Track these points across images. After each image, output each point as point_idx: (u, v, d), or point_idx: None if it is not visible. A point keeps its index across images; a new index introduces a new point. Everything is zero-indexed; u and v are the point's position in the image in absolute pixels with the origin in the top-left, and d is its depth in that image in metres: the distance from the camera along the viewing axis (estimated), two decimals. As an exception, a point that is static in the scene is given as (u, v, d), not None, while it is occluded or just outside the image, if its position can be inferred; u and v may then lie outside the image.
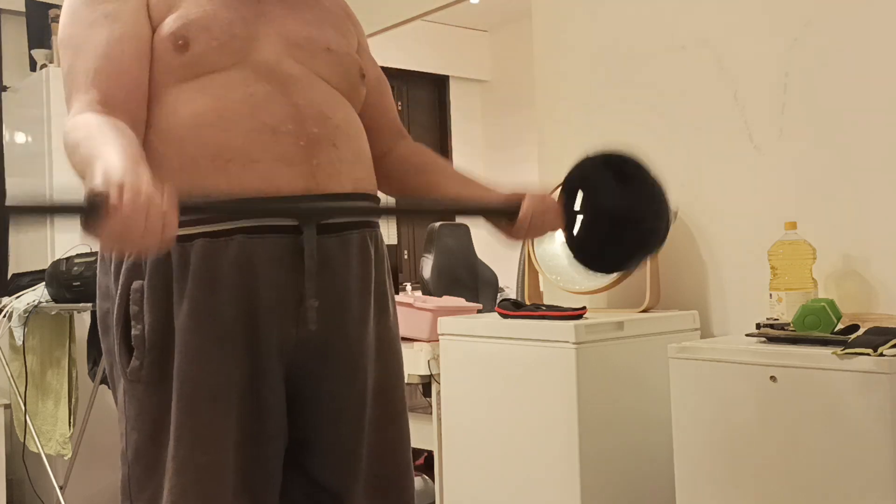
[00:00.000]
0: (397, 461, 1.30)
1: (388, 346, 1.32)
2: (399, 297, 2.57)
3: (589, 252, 1.32)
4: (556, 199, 1.29)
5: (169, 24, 1.17)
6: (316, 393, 1.24)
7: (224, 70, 1.18)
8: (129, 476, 1.19)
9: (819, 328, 1.64)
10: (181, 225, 1.10)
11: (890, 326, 1.64)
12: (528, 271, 2.43)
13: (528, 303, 2.31)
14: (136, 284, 1.16)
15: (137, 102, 1.16)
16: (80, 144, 1.07)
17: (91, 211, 0.89)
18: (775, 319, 1.87)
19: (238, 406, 1.16)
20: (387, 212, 1.31)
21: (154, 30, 1.18)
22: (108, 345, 1.23)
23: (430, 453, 2.50)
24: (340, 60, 1.28)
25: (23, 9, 3.79)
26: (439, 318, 2.22)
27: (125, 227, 0.92)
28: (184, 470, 1.14)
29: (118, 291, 1.18)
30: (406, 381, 1.37)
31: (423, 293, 3.92)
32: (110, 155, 1.00)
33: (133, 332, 1.16)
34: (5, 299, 3.08)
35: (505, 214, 1.26)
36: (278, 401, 1.20)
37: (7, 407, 3.26)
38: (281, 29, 1.24)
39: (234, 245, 1.15)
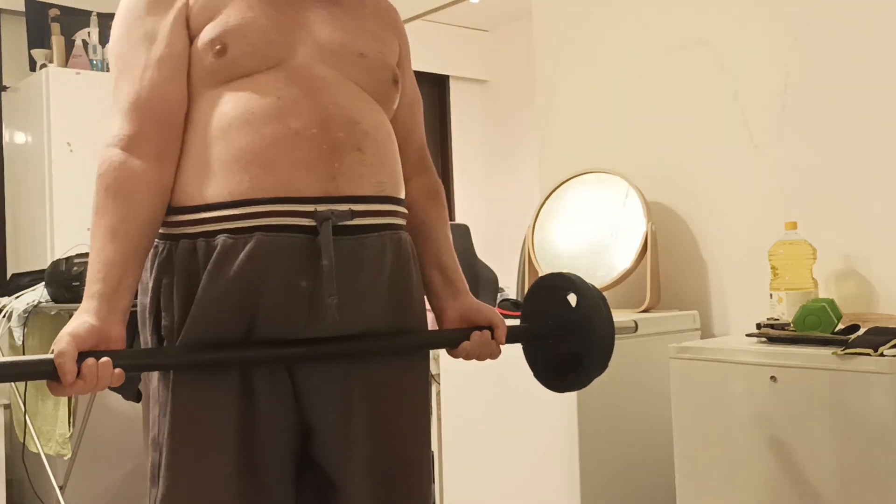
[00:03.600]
0: (408, 456, 1.31)
1: (406, 349, 1.32)
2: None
3: (548, 377, 1.46)
4: (502, 335, 1.38)
5: (209, 31, 1.24)
6: (322, 388, 1.25)
7: (258, 74, 1.23)
8: (158, 461, 1.22)
9: (819, 328, 1.64)
10: (205, 222, 1.20)
11: (890, 326, 1.64)
12: (528, 271, 2.43)
13: (528, 303, 2.31)
14: (166, 279, 1.23)
15: (169, 127, 1.24)
16: (93, 226, 1.20)
17: (50, 373, 1.09)
18: (776, 319, 1.87)
19: (236, 396, 1.19)
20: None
21: (192, 38, 1.25)
22: (144, 338, 1.28)
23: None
24: (373, 65, 1.31)
25: (23, 9, 3.79)
26: (439, 318, 2.22)
27: (69, 389, 1.09)
28: (178, 453, 1.19)
29: (151, 285, 1.25)
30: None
31: (423, 293, 3.90)
32: (83, 308, 1.16)
33: (163, 322, 1.22)
34: (5, 299, 3.08)
35: (448, 345, 1.37)
36: (279, 392, 1.22)
37: (7, 407, 3.25)
38: (317, 35, 1.28)
39: (251, 242, 1.18)
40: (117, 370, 1.11)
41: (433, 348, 1.40)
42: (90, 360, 1.09)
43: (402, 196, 1.33)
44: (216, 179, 1.20)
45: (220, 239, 1.19)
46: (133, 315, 1.23)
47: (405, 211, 1.33)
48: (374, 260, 1.25)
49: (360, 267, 1.24)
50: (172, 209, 1.25)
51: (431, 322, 1.42)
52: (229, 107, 1.22)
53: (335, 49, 1.28)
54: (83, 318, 1.15)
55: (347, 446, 1.25)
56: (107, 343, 1.16)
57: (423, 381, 1.36)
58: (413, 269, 1.33)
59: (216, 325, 1.19)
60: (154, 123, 1.23)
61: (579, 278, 1.40)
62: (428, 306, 1.39)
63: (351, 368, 1.26)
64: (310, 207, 1.19)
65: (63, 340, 1.10)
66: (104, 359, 1.10)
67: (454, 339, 1.36)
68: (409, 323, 1.32)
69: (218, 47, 1.22)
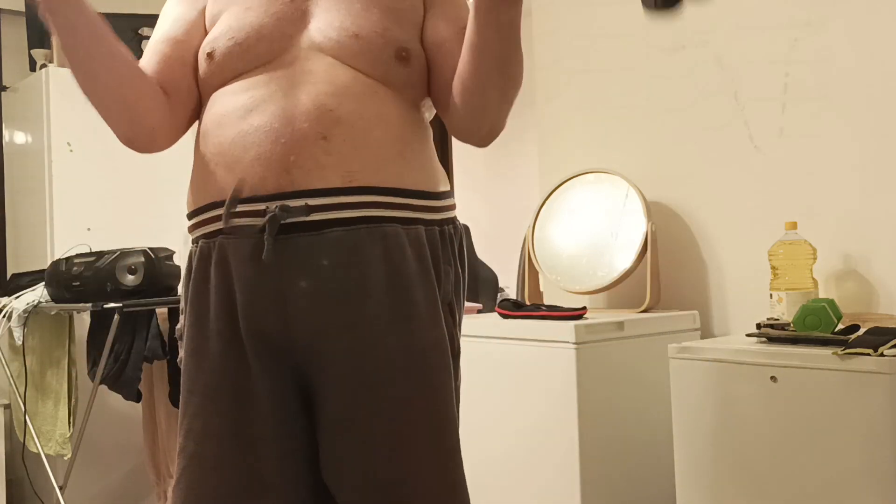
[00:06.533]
0: (397, 475, 1.21)
1: (410, 355, 1.19)
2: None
3: None
4: None
5: (206, 39, 1.27)
6: (320, 399, 1.20)
7: (246, 75, 1.22)
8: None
9: (819, 328, 1.64)
10: (194, 228, 1.24)
11: (890, 326, 1.64)
12: (529, 271, 2.43)
13: (528, 303, 2.31)
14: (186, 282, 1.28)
15: (174, 86, 1.28)
16: None
17: None
18: (776, 319, 1.87)
19: (230, 403, 1.19)
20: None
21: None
22: None
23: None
24: (369, 46, 1.22)
25: (23, 9, 3.79)
26: (439, 318, 2.22)
27: None
28: (189, 462, 1.20)
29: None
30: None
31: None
32: None
33: (178, 325, 1.29)
34: (5, 299, 3.08)
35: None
36: (274, 401, 1.19)
37: (7, 407, 3.25)
38: (319, 23, 1.24)
39: (216, 247, 1.21)
40: None
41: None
42: None
43: (401, 185, 1.20)
44: (196, 184, 1.25)
45: (200, 244, 1.24)
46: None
47: (407, 202, 1.21)
48: (344, 256, 1.16)
49: (323, 264, 1.16)
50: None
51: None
52: (211, 110, 1.24)
53: (332, 35, 1.22)
54: None
55: (335, 460, 1.19)
56: None
57: (430, 395, 1.21)
58: (411, 268, 1.19)
59: (208, 340, 1.20)
60: (159, 74, 1.28)
61: None
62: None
63: (350, 375, 1.17)
64: (262, 206, 1.15)
65: None
66: None
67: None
68: (413, 326, 1.19)
69: (208, 51, 1.25)
